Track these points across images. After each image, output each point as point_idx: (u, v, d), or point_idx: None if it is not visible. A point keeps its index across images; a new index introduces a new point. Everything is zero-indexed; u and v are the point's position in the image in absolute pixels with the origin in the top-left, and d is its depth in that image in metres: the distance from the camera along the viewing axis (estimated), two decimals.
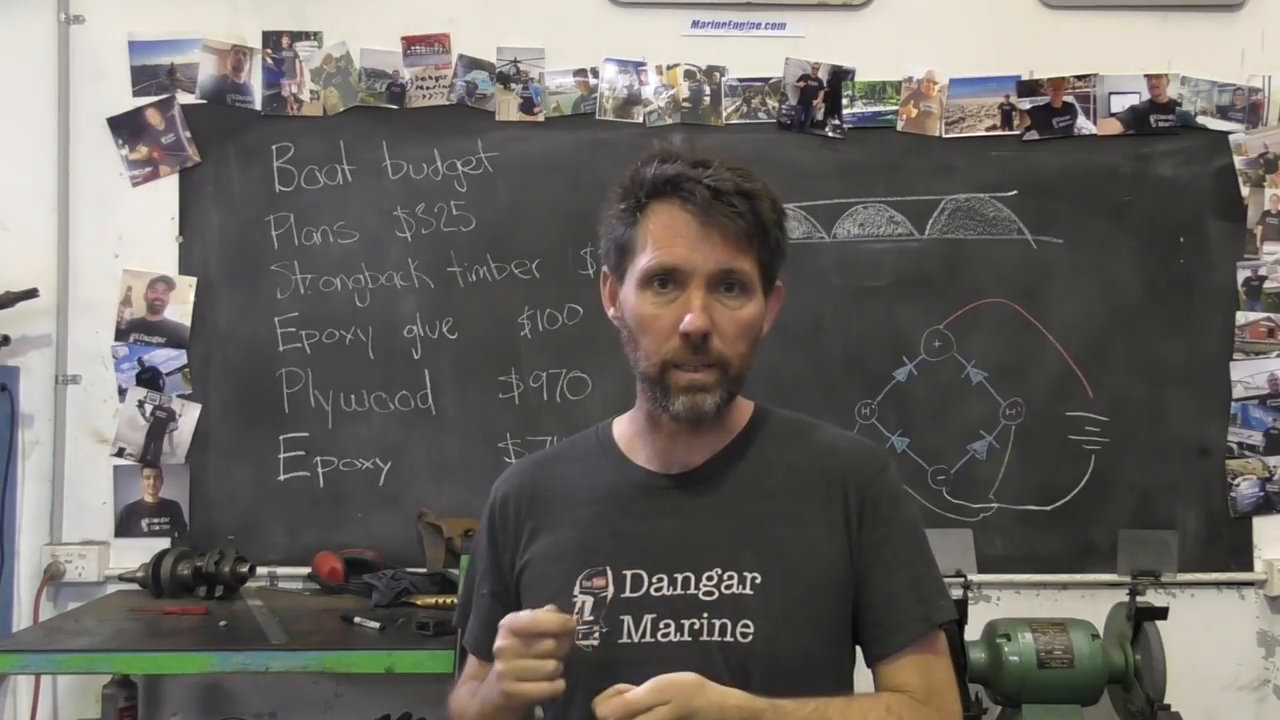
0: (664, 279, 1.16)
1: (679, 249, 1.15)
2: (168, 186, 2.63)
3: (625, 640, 1.17)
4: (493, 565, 1.31)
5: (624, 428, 1.31)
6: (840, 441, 1.29)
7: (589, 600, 1.19)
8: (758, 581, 1.17)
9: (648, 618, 1.17)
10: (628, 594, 1.18)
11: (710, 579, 1.17)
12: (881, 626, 1.21)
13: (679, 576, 1.18)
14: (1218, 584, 2.60)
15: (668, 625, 1.16)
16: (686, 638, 1.16)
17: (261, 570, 2.53)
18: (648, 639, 1.16)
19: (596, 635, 1.17)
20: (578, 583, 1.20)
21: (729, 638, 1.15)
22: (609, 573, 1.19)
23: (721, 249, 1.15)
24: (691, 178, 1.15)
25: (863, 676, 1.26)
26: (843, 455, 1.26)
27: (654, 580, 1.18)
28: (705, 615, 1.16)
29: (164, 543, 2.57)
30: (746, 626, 1.15)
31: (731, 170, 1.17)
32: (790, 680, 1.15)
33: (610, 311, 1.26)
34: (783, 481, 1.23)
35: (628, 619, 1.17)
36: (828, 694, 1.17)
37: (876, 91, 2.64)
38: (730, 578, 1.17)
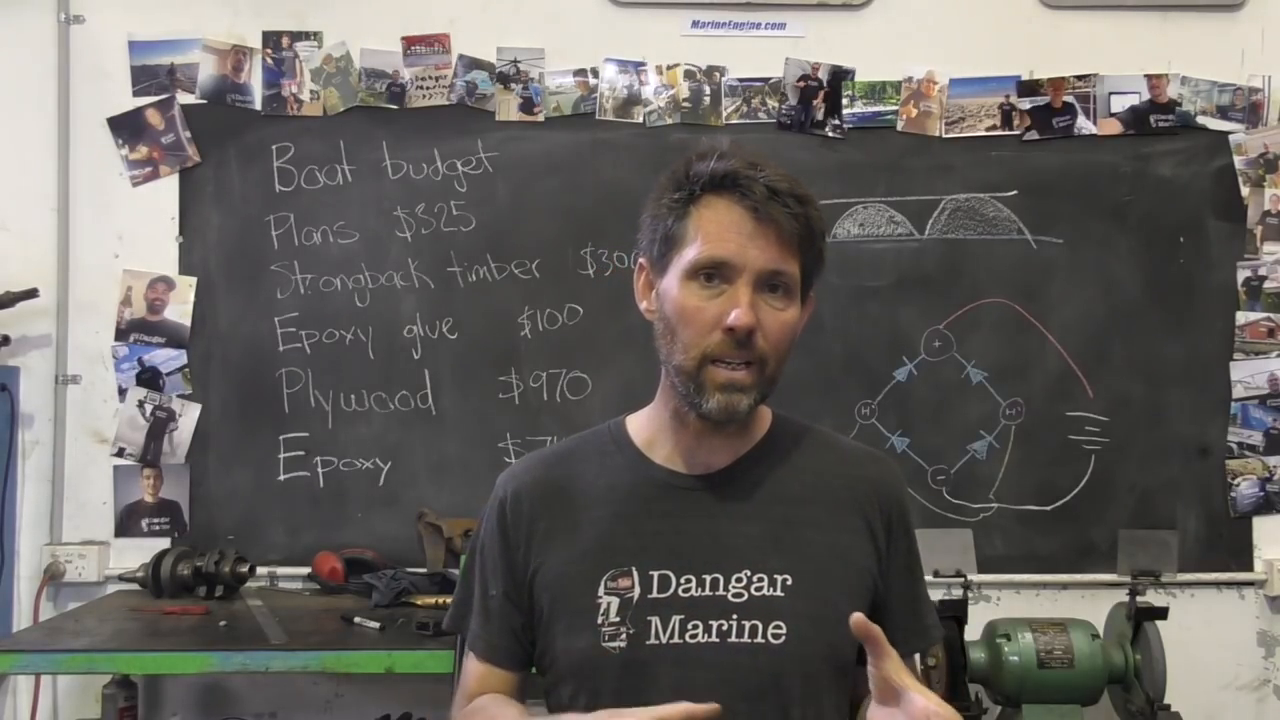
0: (711, 272, 1.15)
1: (731, 243, 1.14)
2: (168, 186, 2.63)
3: (653, 641, 1.15)
4: (505, 565, 1.26)
5: (640, 425, 1.28)
6: (859, 452, 1.31)
7: (614, 601, 1.17)
8: (789, 583, 1.16)
9: (676, 619, 1.16)
10: (655, 595, 1.17)
11: (739, 580, 1.17)
12: (906, 629, 1.24)
13: (707, 578, 1.17)
14: (1218, 584, 2.60)
15: (696, 626, 1.15)
16: (714, 639, 1.15)
17: (261, 570, 2.53)
18: (675, 640, 1.15)
19: (624, 637, 1.16)
20: (602, 583, 1.18)
21: (759, 639, 1.14)
22: (634, 573, 1.18)
23: (774, 248, 1.15)
24: (749, 175, 1.15)
25: None
26: (864, 466, 1.28)
27: (682, 581, 1.17)
28: (735, 617, 1.15)
29: (164, 543, 2.57)
30: (779, 628, 1.15)
31: (784, 175, 1.17)
32: (820, 682, 1.16)
33: (643, 305, 1.25)
34: (809, 486, 1.24)
35: (655, 620, 1.16)
36: (845, 692, 1.21)
37: (876, 91, 2.64)
38: (760, 580, 1.17)
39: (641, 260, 1.25)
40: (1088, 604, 2.49)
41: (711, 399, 1.16)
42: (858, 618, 1.03)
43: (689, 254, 1.16)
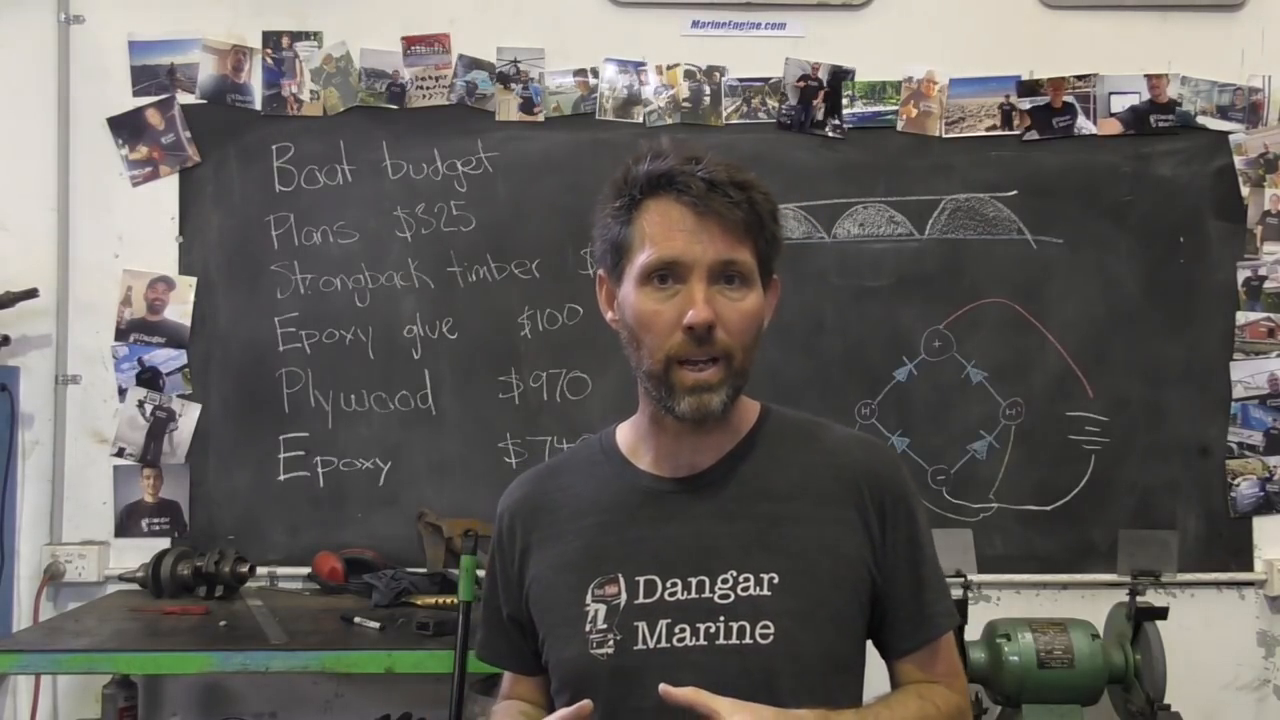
0: (664, 274, 1.14)
1: (677, 242, 1.14)
2: (168, 186, 2.63)
3: (641, 647, 1.15)
4: (503, 583, 1.29)
5: (626, 433, 1.29)
6: (850, 440, 1.28)
7: (601, 608, 1.17)
8: (775, 582, 1.16)
9: (663, 623, 1.15)
10: (641, 600, 1.17)
11: (725, 582, 1.16)
12: (914, 620, 1.22)
13: (693, 580, 1.17)
14: (1218, 584, 2.60)
15: (683, 630, 1.15)
16: (702, 642, 1.15)
17: (261, 570, 2.53)
18: (663, 644, 1.15)
19: (611, 643, 1.16)
20: (589, 591, 1.19)
21: (748, 640, 1.14)
22: (621, 580, 1.18)
23: (721, 240, 1.14)
24: (686, 171, 1.15)
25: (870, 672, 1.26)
26: (854, 454, 1.25)
27: (668, 585, 1.17)
28: (722, 619, 1.15)
29: (164, 543, 2.57)
30: (766, 627, 1.14)
31: (723, 164, 1.16)
32: (813, 679, 1.15)
33: (608, 315, 1.25)
34: (795, 481, 1.22)
35: (642, 625, 1.16)
36: (850, 691, 1.19)
37: (876, 91, 2.64)
38: (746, 580, 1.16)
39: (600, 272, 1.25)
40: (1088, 604, 2.49)
41: (682, 401, 1.15)
42: (665, 691, 1.06)
43: (639, 259, 1.16)
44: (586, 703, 1.09)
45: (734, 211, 1.14)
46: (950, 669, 1.25)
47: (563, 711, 1.10)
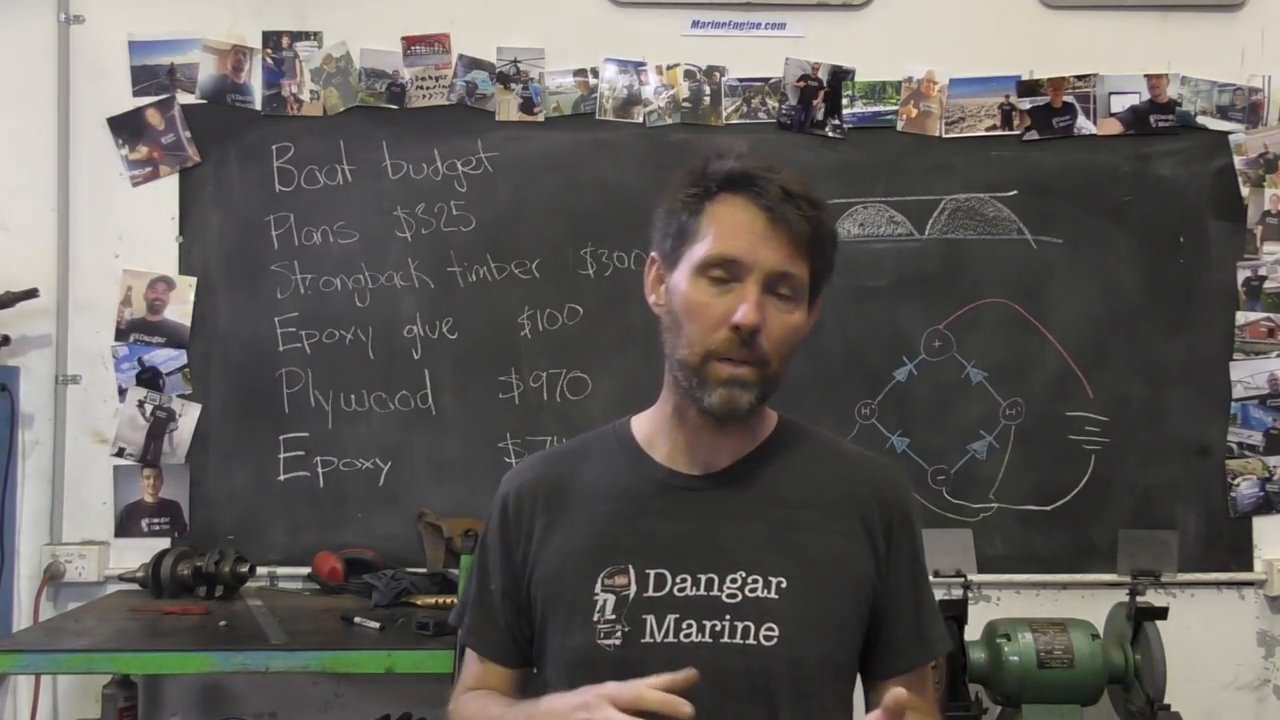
0: (721, 269, 1.16)
1: (742, 241, 1.15)
2: (168, 186, 2.63)
3: (648, 640, 1.16)
4: (504, 562, 1.28)
5: (643, 424, 1.29)
6: (862, 458, 1.31)
7: (610, 598, 1.18)
8: (783, 586, 1.16)
9: (670, 618, 1.16)
10: (650, 593, 1.17)
11: (734, 581, 1.17)
12: (911, 639, 1.23)
13: (702, 577, 1.17)
14: (1218, 584, 2.60)
15: (690, 626, 1.16)
16: (707, 639, 1.15)
17: (261, 570, 2.53)
18: (670, 639, 1.15)
19: (619, 634, 1.16)
20: (599, 580, 1.19)
21: (751, 640, 1.15)
22: (631, 571, 1.18)
23: (784, 250, 1.15)
24: (765, 176, 1.16)
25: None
26: (868, 473, 1.27)
27: (677, 580, 1.17)
28: (727, 617, 1.15)
29: (164, 543, 2.57)
30: (771, 630, 1.15)
31: (799, 179, 1.19)
32: (811, 685, 1.16)
33: (651, 298, 1.26)
34: (810, 490, 1.23)
35: (650, 618, 1.16)
36: (844, 700, 1.21)
37: (876, 91, 2.64)
38: (755, 581, 1.17)
39: (654, 254, 1.26)
40: (1088, 604, 2.49)
41: (713, 394, 1.16)
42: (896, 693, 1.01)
43: (700, 250, 1.17)
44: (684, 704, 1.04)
45: (803, 225, 1.16)
46: (929, 697, 1.27)
47: (661, 679, 1.04)
